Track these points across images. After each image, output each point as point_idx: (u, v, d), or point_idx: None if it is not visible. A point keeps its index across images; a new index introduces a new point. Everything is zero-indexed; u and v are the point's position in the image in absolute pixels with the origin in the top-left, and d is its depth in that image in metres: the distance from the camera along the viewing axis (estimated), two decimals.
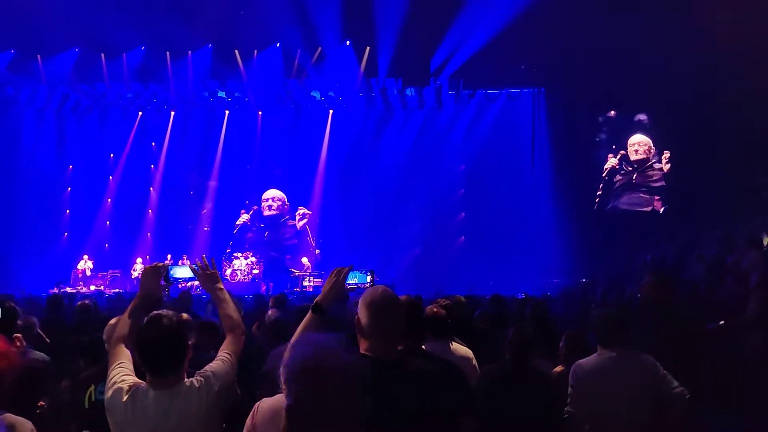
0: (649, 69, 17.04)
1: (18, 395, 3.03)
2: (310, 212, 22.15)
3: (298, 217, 22.15)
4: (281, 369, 1.83)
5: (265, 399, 2.40)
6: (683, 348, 4.21)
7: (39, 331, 5.56)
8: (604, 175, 19.39)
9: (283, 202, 22.38)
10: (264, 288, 18.57)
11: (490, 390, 3.70)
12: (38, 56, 18.96)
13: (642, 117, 19.24)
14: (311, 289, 18.32)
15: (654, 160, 19.03)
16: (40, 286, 17.56)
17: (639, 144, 19.17)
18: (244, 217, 22.36)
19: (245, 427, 2.39)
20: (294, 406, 1.75)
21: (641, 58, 16.82)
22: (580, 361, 3.97)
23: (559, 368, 4.41)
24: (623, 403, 3.71)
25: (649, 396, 3.73)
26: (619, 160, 19.31)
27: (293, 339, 2.74)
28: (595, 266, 16.71)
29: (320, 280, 19.46)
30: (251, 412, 2.39)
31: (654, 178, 19.00)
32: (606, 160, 19.45)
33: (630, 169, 19.20)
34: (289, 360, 1.80)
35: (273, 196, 22.42)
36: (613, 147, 19.42)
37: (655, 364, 3.80)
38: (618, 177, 19.31)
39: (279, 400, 2.32)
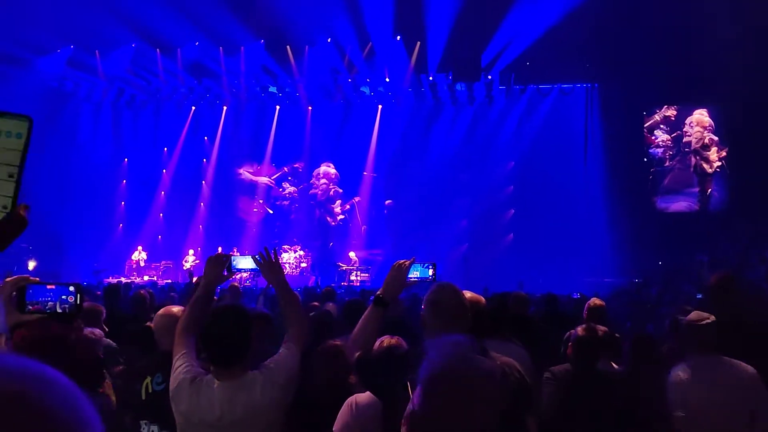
0: (706, 63, 16.52)
1: (82, 380, 3.07)
2: (341, 189, 22.37)
3: (338, 203, 22.38)
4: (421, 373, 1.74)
5: (358, 395, 2.39)
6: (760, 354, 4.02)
7: (103, 324, 5.68)
8: (647, 134, 18.92)
9: (329, 182, 22.51)
10: (312, 281, 18.70)
11: (556, 391, 3.60)
12: (96, 52, 19.49)
13: (701, 112, 18.66)
14: (358, 284, 18.36)
15: (709, 141, 18.48)
16: (91, 276, 18.06)
17: (692, 124, 18.61)
18: (290, 189, 22.73)
19: (341, 422, 2.37)
20: (425, 414, 1.65)
21: (697, 52, 16.31)
22: (678, 366, 3.76)
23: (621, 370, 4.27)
24: (724, 412, 3.52)
25: (748, 406, 3.55)
26: (673, 139, 18.80)
27: (355, 334, 2.72)
28: (648, 266, 16.32)
29: (367, 274, 19.53)
30: (348, 408, 2.37)
31: (708, 167, 18.49)
32: (661, 157, 18.96)
33: (686, 150, 18.68)
34: (429, 365, 1.68)
35: (318, 173, 22.62)
36: (669, 142, 18.91)
37: (755, 373, 3.62)
38: (675, 160, 18.80)
39: (372, 397, 2.31)
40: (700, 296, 8.22)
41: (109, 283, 12.78)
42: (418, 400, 1.64)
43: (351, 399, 2.41)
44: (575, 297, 9.30)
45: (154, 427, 3.29)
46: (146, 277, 19.83)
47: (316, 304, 6.96)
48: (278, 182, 23.12)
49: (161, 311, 3.63)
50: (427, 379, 1.61)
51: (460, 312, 2.48)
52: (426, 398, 1.62)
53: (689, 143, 18.65)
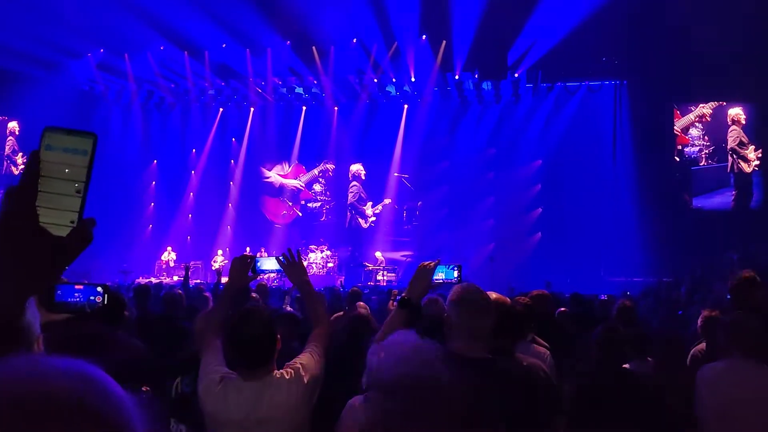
0: (737, 59, 16.23)
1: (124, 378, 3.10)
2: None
3: (369, 205, 22.38)
4: (370, 373, 1.66)
5: (358, 397, 2.38)
6: None
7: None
8: (681, 133, 18.62)
9: (360, 184, 22.54)
10: (339, 281, 18.75)
11: (580, 393, 3.55)
12: (125, 55, 19.79)
13: (737, 110, 18.28)
14: (384, 284, 18.37)
15: (746, 139, 18.13)
16: (119, 276, 18.31)
17: (730, 122, 18.26)
18: (317, 188, 23.00)
19: (344, 424, 2.37)
20: (377, 421, 1.56)
21: (728, 48, 16.01)
22: (707, 367, 3.63)
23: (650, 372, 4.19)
24: (759, 420, 3.38)
25: None
26: (709, 138, 18.45)
27: (380, 336, 2.73)
28: (678, 265, 16.07)
29: (394, 274, 19.53)
30: (348, 408, 2.36)
31: (746, 167, 18.13)
32: (697, 156, 18.62)
33: (723, 146, 18.33)
34: (382, 370, 1.60)
35: (351, 173, 22.69)
36: (704, 140, 18.57)
37: None
38: (713, 160, 18.47)
39: None
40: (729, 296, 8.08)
41: (140, 283, 12.94)
42: (368, 407, 1.57)
43: (352, 401, 2.39)
44: (602, 298, 9.18)
45: (182, 427, 3.34)
46: (176, 278, 20.05)
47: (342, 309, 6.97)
48: (309, 185, 23.24)
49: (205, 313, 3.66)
50: (379, 385, 1.55)
51: (485, 311, 2.47)
52: (376, 406, 1.54)
53: (726, 142, 18.29)
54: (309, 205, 23.18)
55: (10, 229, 0.91)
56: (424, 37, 18.50)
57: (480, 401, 2.31)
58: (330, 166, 22.88)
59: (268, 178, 23.28)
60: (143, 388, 2.81)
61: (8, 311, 0.91)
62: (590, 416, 3.36)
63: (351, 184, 22.56)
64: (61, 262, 0.95)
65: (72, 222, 0.96)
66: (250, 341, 2.61)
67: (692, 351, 4.52)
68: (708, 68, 16.91)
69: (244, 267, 3.04)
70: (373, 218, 22.28)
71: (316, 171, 23.07)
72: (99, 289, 2.22)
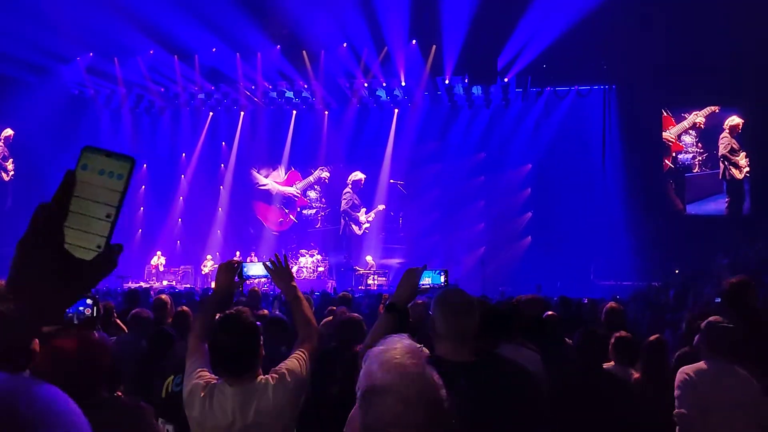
0: (729, 64, 16.33)
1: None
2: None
3: (363, 211, 22.34)
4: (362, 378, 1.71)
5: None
6: None
7: (116, 319, 5.84)
8: (676, 141, 18.71)
9: (353, 191, 22.49)
10: (330, 285, 18.75)
11: (562, 395, 3.56)
12: (115, 59, 19.73)
13: (737, 120, 18.34)
14: (375, 287, 18.38)
15: (736, 146, 18.24)
16: (115, 281, 18.19)
17: (724, 129, 18.38)
18: (312, 195, 22.93)
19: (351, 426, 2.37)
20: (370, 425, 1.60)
21: (716, 53, 16.11)
22: (688, 368, 3.70)
23: (637, 375, 4.20)
24: (727, 423, 3.46)
25: (752, 423, 3.48)
26: (702, 145, 18.54)
27: (368, 341, 2.73)
28: (667, 269, 16.15)
29: (384, 278, 19.52)
30: (351, 419, 2.37)
31: (737, 173, 18.24)
32: (691, 162, 18.71)
33: (715, 153, 18.44)
34: (365, 376, 1.63)
35: (348, 180, 22.63)
36: (698, 147, 18.67)
37: (762, 389, 3.56)
38: (706, 167, 18.57)
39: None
40: (719, 300, 8.13)
41: (130, 288, 12.92)
42: (360, 412, 1.61)
43: (354, 412, 2.39)
44: (584, 301, 9.25)
45: (170, 427, 3.33)
46: (165, 282, 19.99)
47: (333, 308, 6.99)
48: (304, 192, 23.19)
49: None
50: (367, 390, 1.58)
51: (468, 310, 2.48)
52: (366, 410, 1.57)
53: (717, 149, 18.41)
54: (304, 212, 23.12)
55: (34, 247, 0.87)
56: (414, 41, 18.54)
57: (468, 405, 2.32)
58: (326, 174, 22.82)
59: (264, 185, 23.21)
60: (116, 393, 2.78)
61: (22, 332, 0.87)
62: (569, 417, 3.37)
63: (344, 191, 22.49)
64: (80, 286, 0.91)
65: (99, 246, 0.91)
66: (233, 347, 2.60)
67: (677, 354, 4.56)
68: (696, 73, 17.03)
69: (230, 272, 3.03)
70: (367, 224, 22.24)
71: (311, 178, 23.02)
72: (89, 300, 2.20)
